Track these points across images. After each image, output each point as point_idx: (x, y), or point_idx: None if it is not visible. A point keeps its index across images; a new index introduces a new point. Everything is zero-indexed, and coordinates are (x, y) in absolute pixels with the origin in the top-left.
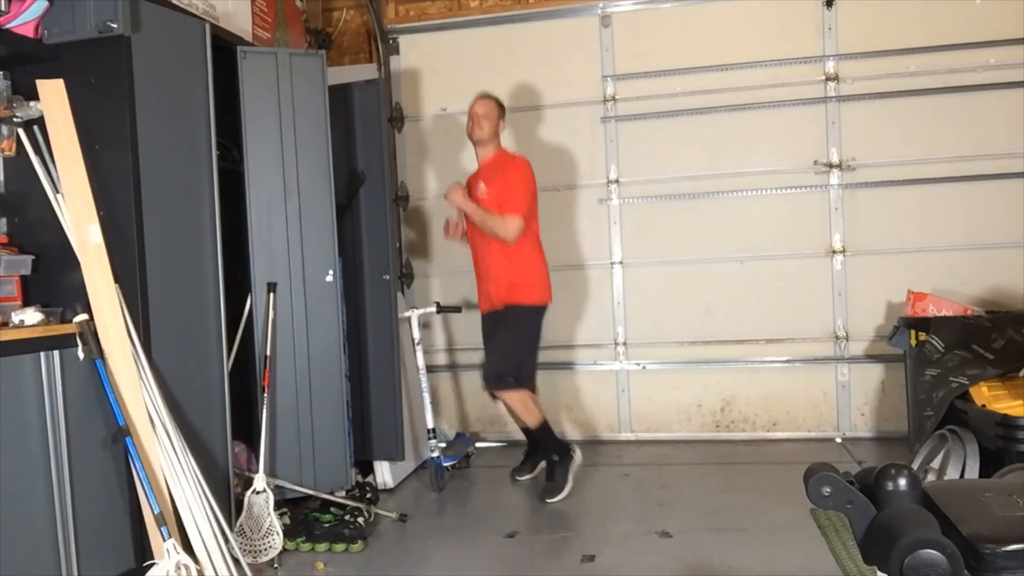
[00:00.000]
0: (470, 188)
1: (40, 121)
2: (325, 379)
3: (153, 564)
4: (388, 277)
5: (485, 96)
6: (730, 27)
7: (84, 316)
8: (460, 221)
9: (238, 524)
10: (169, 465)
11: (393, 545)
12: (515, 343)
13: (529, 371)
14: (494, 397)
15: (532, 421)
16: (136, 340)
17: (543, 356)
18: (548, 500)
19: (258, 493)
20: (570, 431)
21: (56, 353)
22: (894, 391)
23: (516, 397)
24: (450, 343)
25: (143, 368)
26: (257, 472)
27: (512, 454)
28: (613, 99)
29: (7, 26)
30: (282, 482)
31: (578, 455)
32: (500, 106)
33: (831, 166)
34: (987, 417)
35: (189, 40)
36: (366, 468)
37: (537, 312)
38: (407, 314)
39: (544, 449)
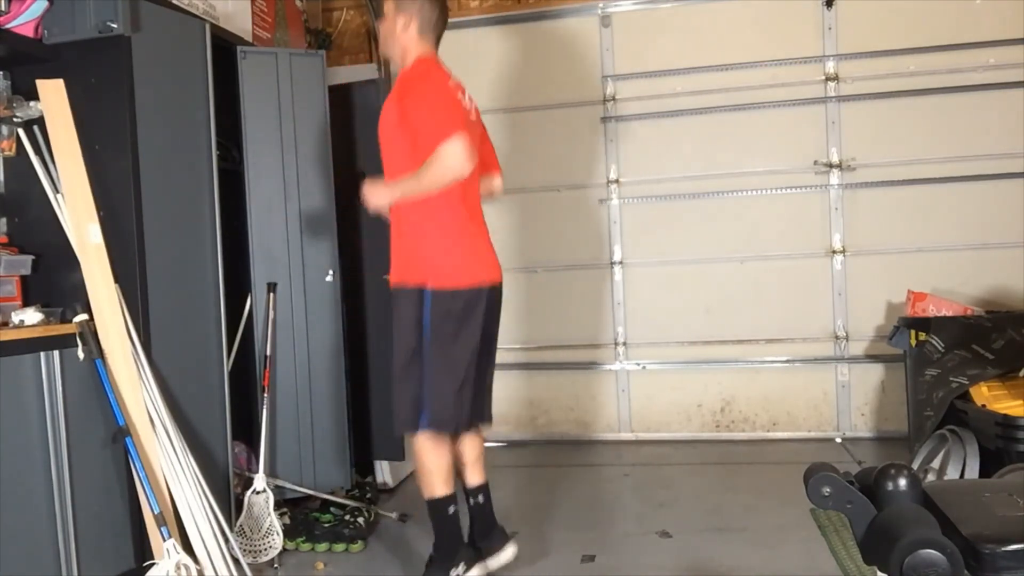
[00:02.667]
0: None
1: (40, 121)
2: (325, 379)
3: (153, 564)
4: (388, 277)
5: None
6: (730, 27)
7: (84, 316)
8: None
9: (238, 524)
10: (169, 465)
11: (393, 545)
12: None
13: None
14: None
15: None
16: (136, 340)
17: (542, 357)
18: None
19: (258, 493)
20: (570, 431)
21: (56, 353)
22: (894, 391)
23: (419, 448)
24: None
25: (143, 368)
26: (257, 472)
27: (513, 454)
28: (613, 99)
29: (7, 26)
30: (282, 482)
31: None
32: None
33: (831, 166)
34: (987, 417)
35: (189, 40)
36: (366, 468)
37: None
38: None
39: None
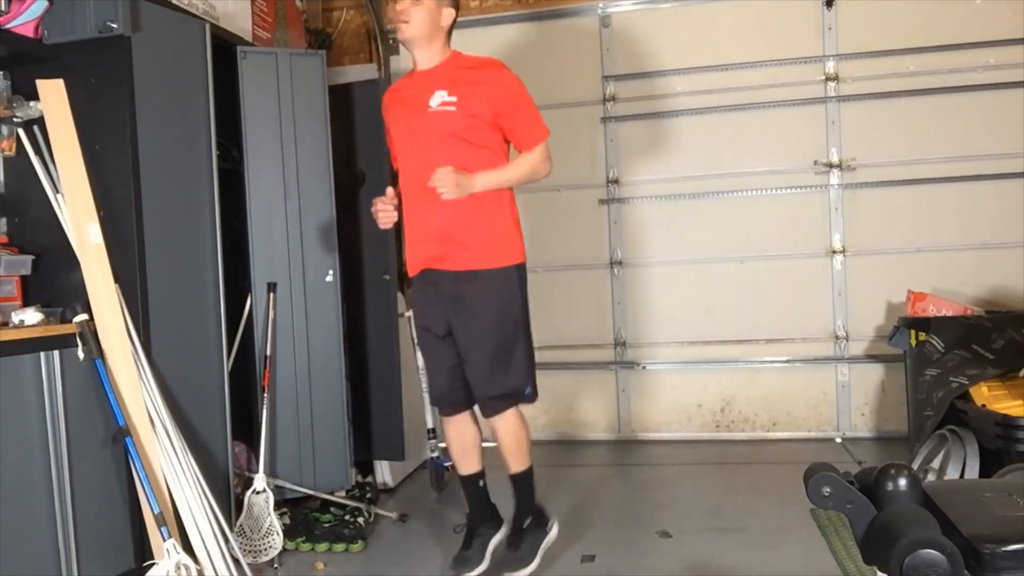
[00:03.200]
0: (403, 103)
1: (40, 121)
2: (325, 379)
3: (153, 564)
4: (388, 277)
5: None
6: (730, 27)
7: (84, 316)
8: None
9: (238, 524)
10: (169, 465)
11: (393, 545)
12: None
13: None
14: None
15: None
16: (136, 340)
17: (542, 357)
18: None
19: (258, 493)
20: (570, 431)
21: (56, 353)
22: (894, 391)
23: (518, 421)
24: None
25: (143, 368)
26: (257, 472)
27: None
28: (613, 99)
29: (7, 26)
30: (282, 482)
31: (555, 531)
32: None
33: (831, 166)
34: (987, 417)
35: (189, 40)
36: (366, 468)
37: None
38: (407, 314)
39: (519, 508)
